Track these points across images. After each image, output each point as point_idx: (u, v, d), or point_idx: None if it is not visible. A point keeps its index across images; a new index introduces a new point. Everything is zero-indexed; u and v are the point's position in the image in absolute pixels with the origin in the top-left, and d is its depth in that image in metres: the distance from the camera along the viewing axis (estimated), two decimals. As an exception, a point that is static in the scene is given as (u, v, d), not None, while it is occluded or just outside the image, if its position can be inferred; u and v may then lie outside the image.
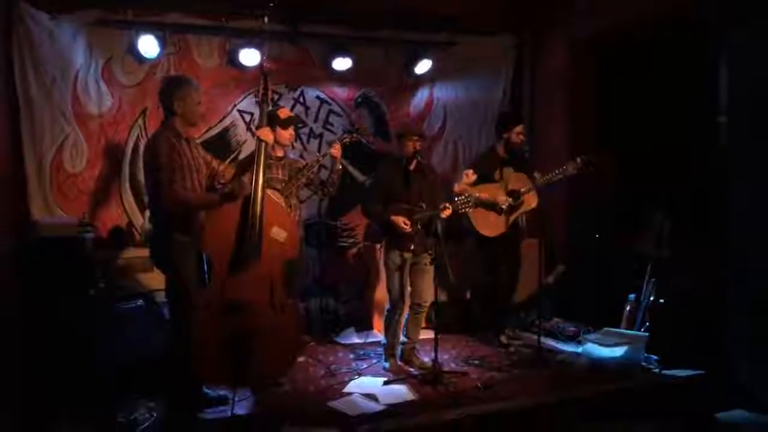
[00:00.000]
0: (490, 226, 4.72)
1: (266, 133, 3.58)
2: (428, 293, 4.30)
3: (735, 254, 4.12)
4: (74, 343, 3.76)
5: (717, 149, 4.27)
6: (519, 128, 4.78)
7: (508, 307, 5.06)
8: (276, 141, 4.16)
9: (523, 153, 4.76)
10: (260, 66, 3.75)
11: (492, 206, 4.66)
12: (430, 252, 4.18)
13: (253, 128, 5.38)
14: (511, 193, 4.71)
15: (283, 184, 4.28)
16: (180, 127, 3.41)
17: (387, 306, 4.38)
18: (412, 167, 4.27)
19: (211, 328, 3.36)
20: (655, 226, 4.80)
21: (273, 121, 4.20)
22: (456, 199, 4.12)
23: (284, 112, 4.35)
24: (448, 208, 4.08)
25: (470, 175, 4.61)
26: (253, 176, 3.48)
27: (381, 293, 4.84)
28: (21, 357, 3.81)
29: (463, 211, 4.14)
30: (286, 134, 4.31)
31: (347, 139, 4.45)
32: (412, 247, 4.18)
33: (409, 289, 4.33)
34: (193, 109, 3.44)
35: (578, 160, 4.64)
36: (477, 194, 4.47)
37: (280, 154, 4.37)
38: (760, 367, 3.88)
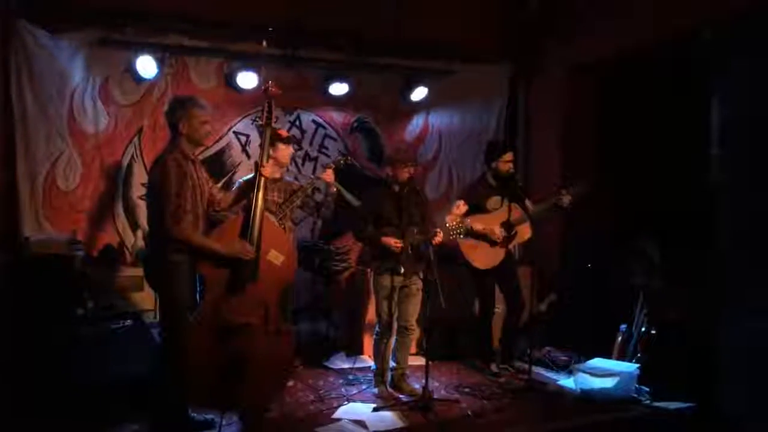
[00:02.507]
0: (483, 258, 4.69)
1: (269, 171, 3.64)
2: (415, 316, 4.30)
3: (728, 284, 4.12)
4: (61, 362, 3.71)
5: (712, 178, 4.30)
6: (507, 156, 4.72)
7: (516, 334, 5.00)
8: (277, 160, 4.25)
9: (516, 182, 4.78)
10: (265, 90, 3.77)
11: (485, 238, 4.65)
12: (421, 277, 4.18)
13: (248, 150, 5.40)
14: (503, 225, 4.69)
15: (279, 206, 4.29)
16: (186, 148, 3.42)
17: (376, 330, 4.36)
18: (403, 193, 4.28)
19: (202, 349, 3.34)
20: (648, 256, 4.81)
21: (273, 138, 4.24)
22: (447, 225, 4.12)
23: (284, 132, 4.40)
24: (440, 234, 4.08)
25: (461, 207, 4.59)
26: (252, 200, 3.51)
27: (372, 318, 4.81)
28: (6, 375, 3.75)
29: (454, 237, 4.14)
30: (287, 152, 4.34)
31: (342, 161, 4.50)
32: (402, 271, 4.17)
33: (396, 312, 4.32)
34: (199, 129, 3.45)
35: (572, 190, 4.66)
36: (469, 221, 4.47)
37: (277, 175, 4.38)
38: (750, 400, 3.86)
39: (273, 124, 3.76)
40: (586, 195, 4.70)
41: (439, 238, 4.09)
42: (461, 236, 4.18)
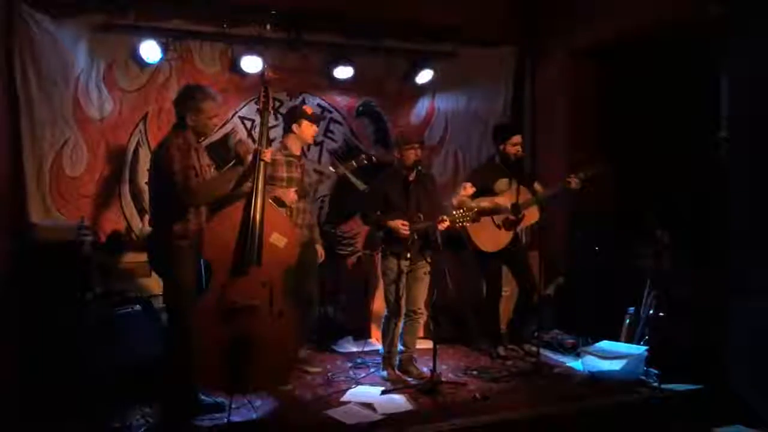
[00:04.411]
0: (490, 241, 4.69)
1: (269, 155, 3.67)
2: (423, 300, 4.31)
3: (735, 267, 4.11)
4: (70, 347, 3.73)
5: (718, 160, 4.28)
6: (515, 139, 4.73)
7: (527, 316, 4.99)
8: (300, 137, 4.27)
9: (522, 165, 4.75)
10: (261, 75, 3.76)
11: (495, 212, 4.62)
12: (428, 260, 4.17)
13: (254, 135, 5.38)
14: (511, 207, 4.68)
15: (298, 185, 4.27)
16: (190, 137, 3.42)
17: (384, 314, 4.37)
18: (412, 177, 4.26)
19: (208, 333, 3.36)
20: (656, 238, 4.78)
21: (299, 115, 4.26)
22: (454, 212, 4.10)
23: (309, 108, 4.39)
24: (446, 221, 4.07)
25: (468, 188, 4.61)
26: (253, 183, 3.52)
27: (379, 302, 4.82)
28: (17, 361, 3.78)
29: (461, 224, 4.13)
30: (311, 130, 4.33)
31: (365, 160, 4.45)
32: (409, 256, 4.17)
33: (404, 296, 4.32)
34: (206, 122, 3.46)
35: (580, 174, 4.62)
36: (476, 208, 4.46)
37: (297, 152, 4.37)
38: (759, 381, 3.86)
39: (278, 110, 3.75)
40: (595, 177, 4.66)
41: (444, 225, 4.07)
42: (468, 223, 4.16)
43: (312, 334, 4.78)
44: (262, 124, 3.75)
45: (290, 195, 4.14)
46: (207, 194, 3.44)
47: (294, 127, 4.30)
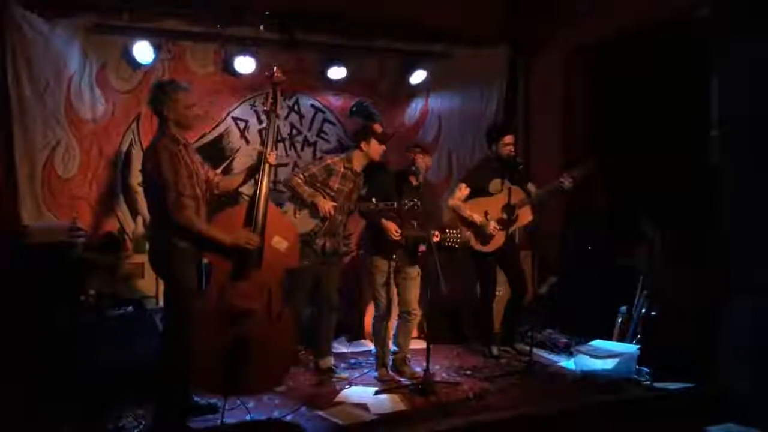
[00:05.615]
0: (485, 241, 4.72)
1: (274, 158, 3.70)
2: (416, 300, 4.32)
3: (728, 267, 4.13)
4: (63, 349, 3.72)
5: (713, 159, 4.29)
6: (507, 139, 4.75)
7: (518, 317, 5.02)
8: (367, 155, 4.29)
9: (516, 165, 4.77)
10: (270, 76, 3.77)
11: (481, 230, 4.65)
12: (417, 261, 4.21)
13: (247, 136, 5.38)
14: (505, 209, 4.70)
15: (345, 200, 4.30)
16: (176, 133, 3.37)
17: (374, 315, 4.38)
18: (413, 182, 4.28)
19: (206, 334, 3.35)
20: (649, 238, 4.81)
21: (369, 134, 4.28)
22: (447, 231, 4.17)
23: (380, 127, 4.39)
24: (437, 236, 4.08)
25: (463, 189, 4.66)
26: (257, 187, 3.55)
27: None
28: (10, 362, 3.77)
29: (450, 244, 4.15)
30: (379, 150, 4.32)
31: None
32: (394, 257, 4.20)
33: (396, 297, 4.33)
34: (185, 112, 3.36)
35: (573, 173, 4.64)
36: (469, 219, 4.58)
37: (359, 169, 4.36)
38: (751, 380, 3.88)
39: (278, 110, 3.77)
40: (588, 176, 4.68)
41: (435, 239, 4.08)
42: (457, 245, 4.20)
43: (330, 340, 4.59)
44: (269, 125, 3.74)
45: (326, 206, 4.14)
46: (190, 226, 3.27)
47: (363, 144, 4.29)
